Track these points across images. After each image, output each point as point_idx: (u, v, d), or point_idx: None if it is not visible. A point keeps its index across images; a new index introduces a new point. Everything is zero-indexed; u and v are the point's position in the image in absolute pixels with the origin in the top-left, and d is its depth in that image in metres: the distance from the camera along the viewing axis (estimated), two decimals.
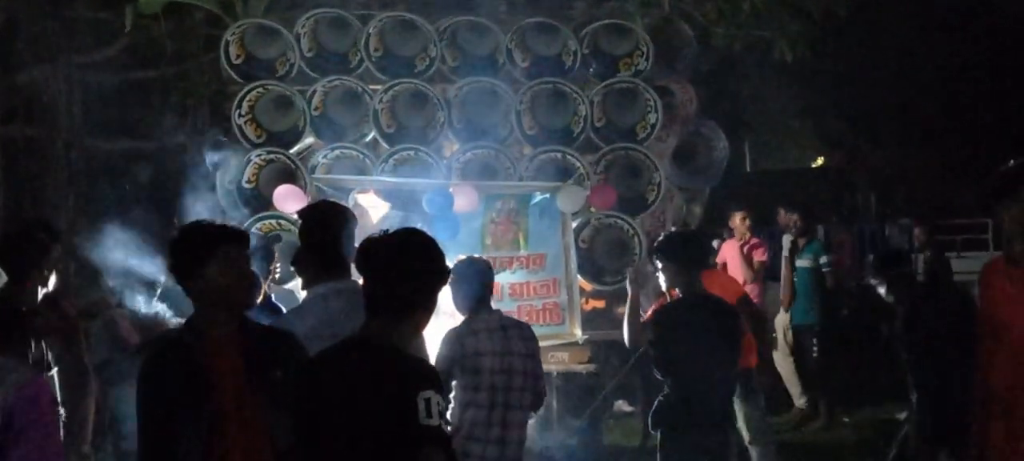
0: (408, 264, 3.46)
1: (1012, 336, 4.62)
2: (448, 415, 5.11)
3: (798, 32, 12.98)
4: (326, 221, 4.80)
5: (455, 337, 5.48)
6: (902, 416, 8.48)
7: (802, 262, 10.54)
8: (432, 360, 4.84)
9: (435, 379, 3.37)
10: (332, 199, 7.10)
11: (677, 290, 5.98)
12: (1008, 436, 4.69)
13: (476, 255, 6.34)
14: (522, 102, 8.64)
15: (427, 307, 3.56)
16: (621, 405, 10.59)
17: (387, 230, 3.62)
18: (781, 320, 10.55)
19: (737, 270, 10.32)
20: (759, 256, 10.49)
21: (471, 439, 5.38)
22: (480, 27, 8.83)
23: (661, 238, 6.20)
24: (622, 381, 9.51)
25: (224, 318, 3.85)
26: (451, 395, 5.42)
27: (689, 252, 5.98)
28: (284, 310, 5.67)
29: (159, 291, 6.17)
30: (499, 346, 5.45)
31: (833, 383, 10.76)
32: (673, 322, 5.85)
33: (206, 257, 3.81)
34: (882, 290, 6.85)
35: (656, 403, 5.94)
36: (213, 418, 3.70)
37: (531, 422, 8.28)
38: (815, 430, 10.37)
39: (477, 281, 5.62)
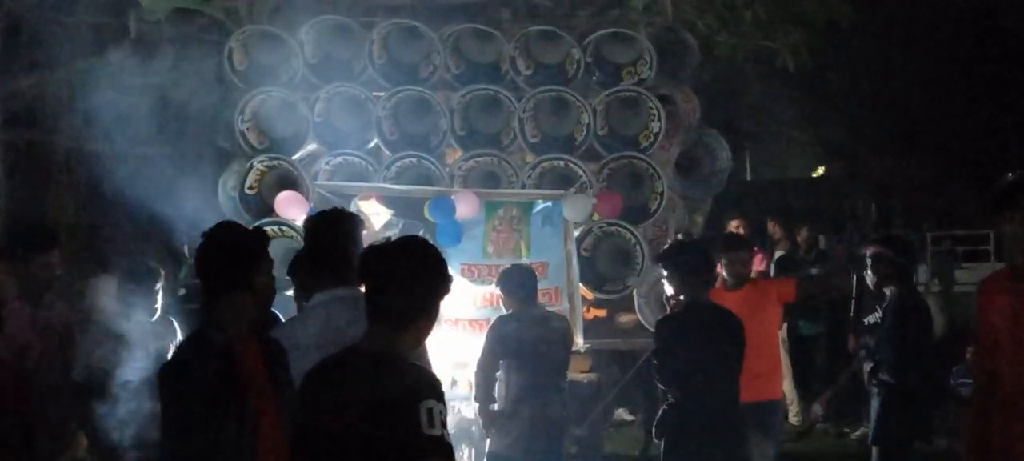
0: (410, 272, 3.45)
1: (1021, 350, 4.60)
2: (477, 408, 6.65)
3: (800, 42, 12.99)
4: (330, 228, 4.79)
5: (500, 326, 6.70)
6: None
7: (815, 270, 10.60)
8: (434, 368, 4.84)
9: (437, 388, 3.36)
10: (334, 206, 7.08)
11: (681, 299, 5.97)
12: (1013, 448, 4.68)
13: (523, 264, 7.53)
14: (525, 110, 8.62)
15: (429, 315, 3.55)
16: (621, 413, 10.58)
17: (389, 237, 3.61)
18: None
19: None
20: (757, 264, 10.47)
21: (520, 402, 6.59)
22: (483, 35, 8.81)
23: (666, 247, 6.20)
24: (623, 390, 9.50)
25: (255, 321, 3.88)
26: (498, 374, 6.68)
27: (693, 261, 5.96)
28: (281, 318, 5.65)
29: (182, 292, 6.16)
30: (539, 334, 6.68)
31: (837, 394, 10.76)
32: (676, 332, 5.83)
33: (260, 260, 3.83)
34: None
35: (660, 412, 5.93)
36: (254, 418, 3.71)
37: None
38: (818, 440, 10.37)
39: (521, 281, 6.90)
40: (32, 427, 5.43)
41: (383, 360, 3.36)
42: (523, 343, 6.62)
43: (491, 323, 6.85)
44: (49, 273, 5.64)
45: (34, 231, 6.12)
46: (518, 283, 6.89)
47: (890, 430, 6.58)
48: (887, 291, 6.66)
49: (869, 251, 6.72)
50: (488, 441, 6.86)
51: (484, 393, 6.65)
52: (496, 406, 6.68)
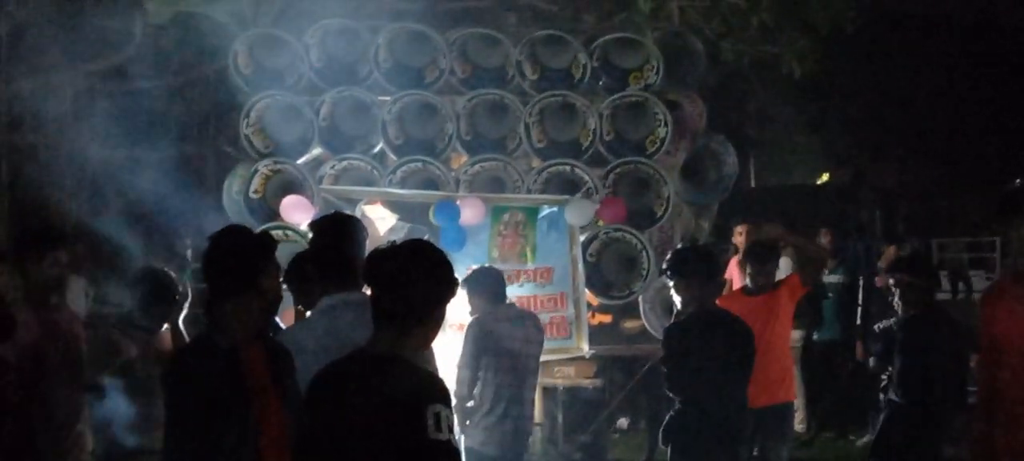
0: (416, 276, 3.42)
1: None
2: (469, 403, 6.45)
3: (805, 48, 12.99)
4: (336, 232, 4.77)
5: (481, 324, 6.47)
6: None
7: (835, 278, 10.63)
8: (441, 372, 4.83)
9: (444, 393, 3.33)
10: (339, 210, 7.07)
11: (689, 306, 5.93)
12: (1018, 456, 4.65)
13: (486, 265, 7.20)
14: (531, 115, 8.61)
15: (435, 319, 3.52)
16: (620, 423, 10.55)
17: (395, 241, 3.59)
18: None
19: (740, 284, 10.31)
20: None
21: (498, 400, 6.45)
22: (490, 39, 8.81)
23: (672, 254, 6.14)
24: (628, 395, 9.48)
25: (261, 325, 3.86)
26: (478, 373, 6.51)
27: (700, 268, 5.93)
28: (281, 325, 5.62)
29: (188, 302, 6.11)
30: (519, 333, 6.54)
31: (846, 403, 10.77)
32: (685, 339, 5.80)
33: (266, 264, 3.82)
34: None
35: (667, 418, 5.90)
36: (257, 422, 3.70)
37: (537, 435, 8.31)
38: (824, 447, 10.34)
39: (493, 281, 6.67)
40: (37, 429, 5.42)
41: (390, 363, 3.34)
42: (504, 342, 6.56)
43: (470, 322, 6.66)
44: (58, 272, 5.61)
45: (43, 229, 6.09)
46: (488, 283, 6.72)
47: (891, 447, 6.54)
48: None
49: (895, 279, 6.70)
50: (462, 438, 6.78)
51: (468, 390, 6.56)
52: (471, 403, 6.63)
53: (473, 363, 6.49)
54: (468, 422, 6.58)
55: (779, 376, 7.06)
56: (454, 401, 6.58)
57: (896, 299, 6.68)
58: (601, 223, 8.41)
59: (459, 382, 6.53)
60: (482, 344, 6.47)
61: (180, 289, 6.06)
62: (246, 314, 3.81)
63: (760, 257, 7.31)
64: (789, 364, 7.52)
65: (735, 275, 10.45)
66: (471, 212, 7.92)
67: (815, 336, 10.73)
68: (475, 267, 6.92)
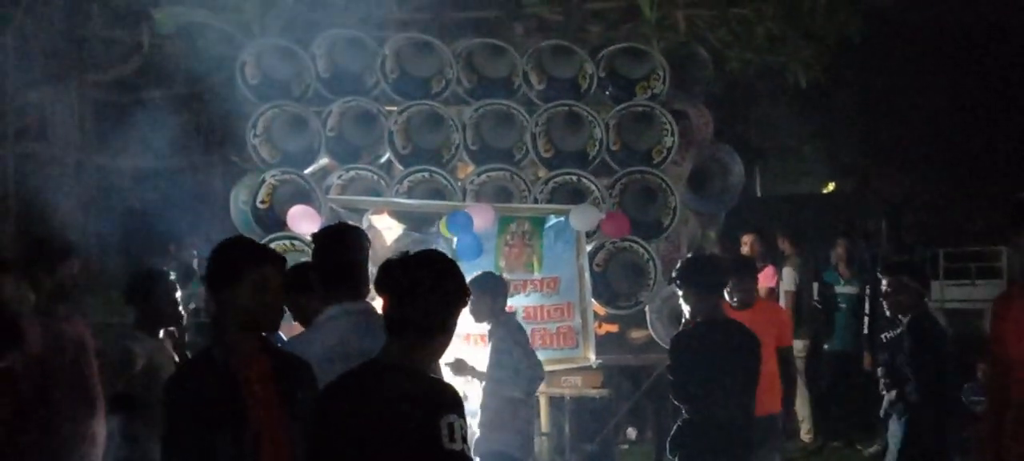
0: (430, 286, 3.42)
1: None
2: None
3: (811, 57, 13.00)
4: (338, 242, 4.76)
5: (518, 329, 6.78)
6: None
7: (849, 288, 10.62)
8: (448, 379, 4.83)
9: (458, 402, 3.33)
10: (346, 220, 7.07)
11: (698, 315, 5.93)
12: None
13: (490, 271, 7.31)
14: (537, 125, 8.62)
15: (448, 329, 3.51)
16: (628, 432, 10.54)
17: (407, 251, 3.58)
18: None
19: None
20: (766, 281, 10.41)
21: (520, 403, 6.66)
22: (496, 49, 8.82)
23: (680, 263, 6.14)
24: (634, 406, 9.47)
25: (251, 338, 3.81)
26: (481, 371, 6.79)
27: (708, 277, 5.93)
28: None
29: (193, 305, 6.11)
30: (528, 340, 6.88)
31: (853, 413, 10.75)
32: (692, 348, 5.80)
33: (239, 275, 3.75)
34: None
35: (675, 428, 5.90)
36: (252, 435, 3.67)
37: (544, 445, 8.32)
38: (831, 456, 10.32)
39: (502, 287, 6.88)
40: (47, 440, 5.41)
41: (403, 373, 3.33)
42: (527, 348, 6.78)
43: (508, 325, 6.74)
44: (71, 282, 5.60)
45: (54, 240, 6.07)
46: (502, 290, 6.87)
47: (916, 454, 6.55)
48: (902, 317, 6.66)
49: (886, 283, 6.72)
50: (483, 440, 6.70)
51: (537, 385, 6.80)
52: (481, 410, 6.66)
53: (531, 356, 6.68)
54: (501, 427, 6.61)
55: (766, 387, 7.05)
56: (520, 395, 6.63)
57: (886, 302, 6.70)
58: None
59: (531, 381, 6.68)
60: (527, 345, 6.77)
61: (175, 281, 6.05)
62: (227, 322, 3.77)
63: (739, 273, 7.26)
64: (773, 378, 7.51)
65: None
66: (481, 219, 7.92)
67: (826, 346, 10.73)
68: (479, 273, 6.92)
